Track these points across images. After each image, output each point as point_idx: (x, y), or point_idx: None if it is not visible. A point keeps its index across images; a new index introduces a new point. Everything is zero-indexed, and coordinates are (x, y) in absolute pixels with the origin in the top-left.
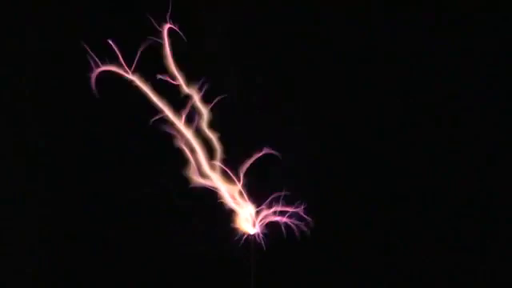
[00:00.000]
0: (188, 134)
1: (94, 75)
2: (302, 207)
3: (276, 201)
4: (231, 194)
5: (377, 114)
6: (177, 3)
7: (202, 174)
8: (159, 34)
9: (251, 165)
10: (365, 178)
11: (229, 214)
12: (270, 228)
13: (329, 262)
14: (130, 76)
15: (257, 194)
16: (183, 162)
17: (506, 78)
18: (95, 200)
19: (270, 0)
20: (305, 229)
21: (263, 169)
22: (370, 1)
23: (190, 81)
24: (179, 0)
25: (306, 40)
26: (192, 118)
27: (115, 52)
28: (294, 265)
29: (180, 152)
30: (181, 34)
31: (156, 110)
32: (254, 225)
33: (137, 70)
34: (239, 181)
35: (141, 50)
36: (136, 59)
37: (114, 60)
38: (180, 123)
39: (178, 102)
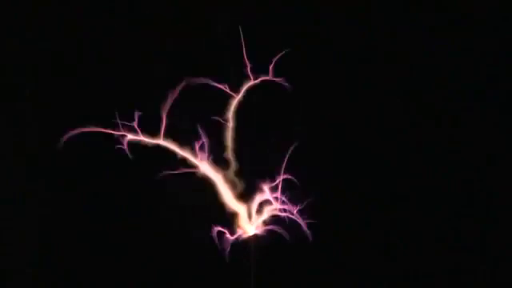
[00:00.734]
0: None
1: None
2: (303, 207)
3: (276, 201)
4: (231, 194)
5: (377, 114)
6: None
7: (203, 174)
8: None
9: (252, 166)
10: (365, 178)
11: (229, 215)
12: (270, 228)
13: (329, 261)
14: None
15: (258, 194)
16: (183, 161)
17: (506, 78)
18: (95, 200)
19: (270, 0)
20: (305, 229)
21: (263, 169)
22: (369, 1)
23: None
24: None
25: (305, 40)
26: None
27: None
28: (294, 265)
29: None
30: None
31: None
32: (254, 225)
33: None
34: (240, 181)
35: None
36: None
37: None
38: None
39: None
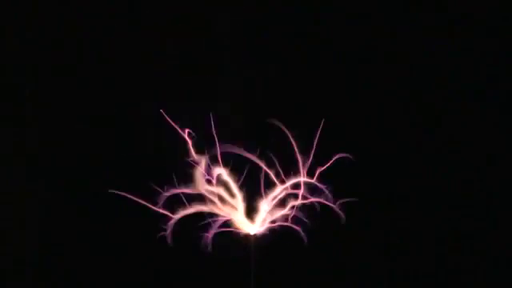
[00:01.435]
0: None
1: None
2: (302, 207)
3: (276, 201)
4: (231, 194)
5: (377, 114)
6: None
7: (205, 175)
8: None
9: (250, 167)
10: (365, 178)
11: (229, 214)
12: (270, 228)
13: (329, 262)
14: None
15: (257, 194)
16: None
17: (506, 78)
18: (95, 200)
19: (270, 0)
20: (305, 229)
21: (263, 170)
22: (369, 1)
23: None
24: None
25: (305, 40)
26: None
27: None
28: (294, 265)
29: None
30: None
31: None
32: (254, 225)
33: None
34: (239, 181)
35: None
36: None
37: None
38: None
39: None
